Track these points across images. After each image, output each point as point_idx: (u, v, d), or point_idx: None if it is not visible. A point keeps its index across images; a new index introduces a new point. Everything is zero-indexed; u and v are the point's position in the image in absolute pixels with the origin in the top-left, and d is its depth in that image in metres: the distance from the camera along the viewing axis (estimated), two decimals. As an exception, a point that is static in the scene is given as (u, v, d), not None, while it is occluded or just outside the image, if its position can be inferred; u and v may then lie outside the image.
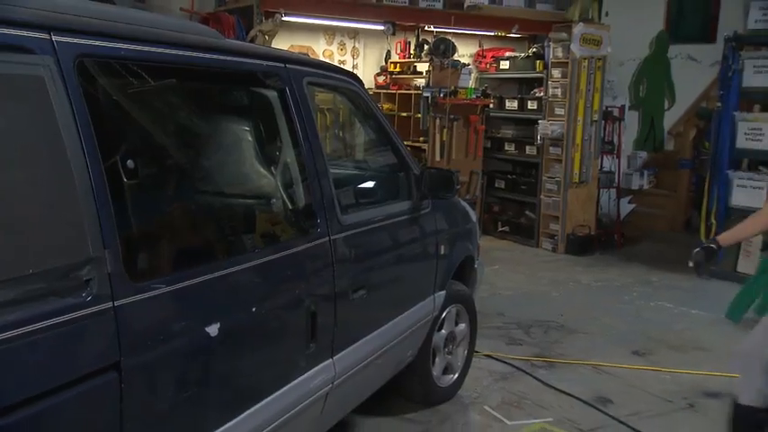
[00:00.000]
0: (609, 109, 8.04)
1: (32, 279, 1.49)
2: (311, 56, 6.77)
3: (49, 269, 1.53)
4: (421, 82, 7.63)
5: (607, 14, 8.19)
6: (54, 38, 1.63)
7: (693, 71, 8.47)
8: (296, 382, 2.37)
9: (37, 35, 1.59)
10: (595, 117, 7.65)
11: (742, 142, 6.22)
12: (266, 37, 6.13)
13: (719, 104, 6.45)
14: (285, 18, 6.39)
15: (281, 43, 6.72)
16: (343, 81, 3.11)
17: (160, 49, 1.94)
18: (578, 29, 7.35)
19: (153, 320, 1.79)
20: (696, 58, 8.55)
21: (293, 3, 6.58)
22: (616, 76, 8.54)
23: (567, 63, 7.43)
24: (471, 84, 7.87)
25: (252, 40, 5.97)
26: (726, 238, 3.12)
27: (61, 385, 1.54)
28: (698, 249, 3.01)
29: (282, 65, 2.51)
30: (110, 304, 1.64)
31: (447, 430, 3.54)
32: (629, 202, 8.53)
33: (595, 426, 3.60)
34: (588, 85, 7.51)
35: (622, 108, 8.30)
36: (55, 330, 1.52)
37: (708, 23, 8.54)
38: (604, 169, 8.03)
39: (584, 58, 7.43)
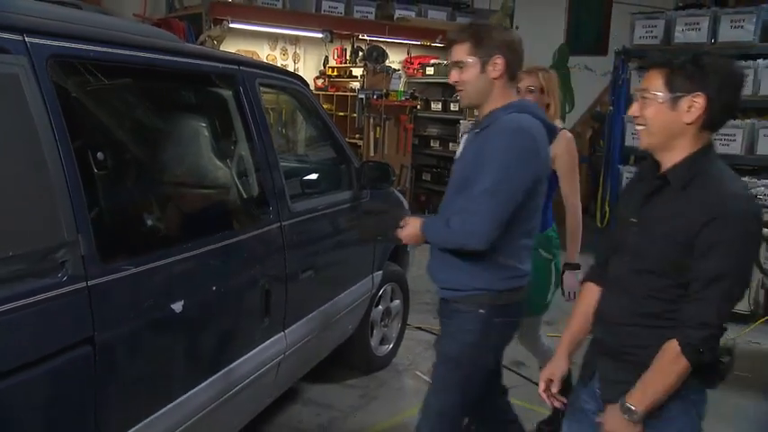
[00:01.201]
0: (520, 110, 8.25)
1: (12, 261, 1.45)
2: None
3: (27, 252, 1.50)
4: (356, 85, 7.64)
5: (517, 28, 8.41)
6: (27, 39, 1.59)
7: (589, 79, 8.76)
8: (252, 352, 2.38)
9: (11, 36, 1.55)
10: (508, 118, 7.86)
11: (630, 141, 6.49)
12: (215, 42, 6.01)
13: (611, 108, 6.71)
14: (232, 25, 6.27)
15: (229, 47, 6.58)
16: (291, 82, 3.11)
17: (126, 51, 1.90)
18: (493, 40, 7.52)
19: (123, 298, 1.76)
20: (591, 68, 8.85)
21: (239, 11, 6.47)
22: (525, 82, 8.77)
23: (484, 70, 7.58)
24: (401, 87, 7.92)
25: (201, 45, 5.83)
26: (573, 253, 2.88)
27: (41, 358, 1.51)
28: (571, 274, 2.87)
29: (236, 67, 2.49)
30: (83, 284, 1.61)
31: (383, 394, 3.60)
32: (537, 193, 8.81)
33: (511, 385, 3.66)
34: (502, 90, 7.69)
35: (532, 110, 8.54)
36: (34, 308, 1.49)
37: (600, 38, 8.86)
38: (516, 164, 8.24)
39: (499, 66, 7.61)
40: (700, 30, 5.55)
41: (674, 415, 1.62)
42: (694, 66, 1.53)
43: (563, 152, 2.73)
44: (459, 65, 2.02)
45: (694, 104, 1.53)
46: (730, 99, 1.55)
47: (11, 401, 1.46)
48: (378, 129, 7.36)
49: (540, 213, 2.14)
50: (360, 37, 7.79)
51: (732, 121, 5.07)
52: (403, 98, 7.65)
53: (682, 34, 5.65)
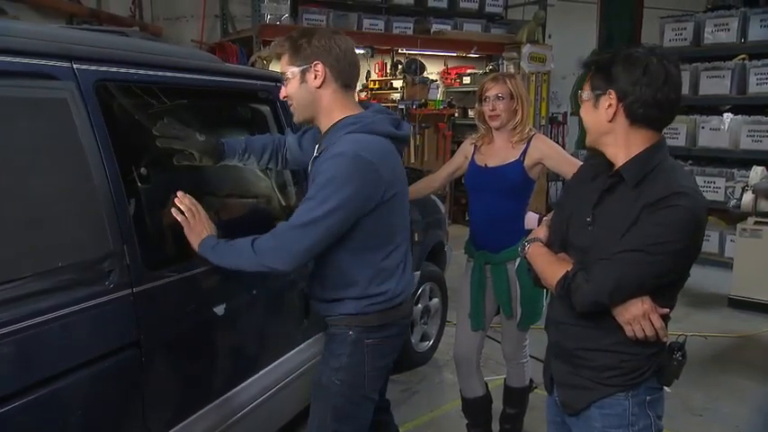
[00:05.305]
0: (554, 115, 8.07)
1: (63, 271, 1.46)
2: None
3: (76, 262, 1.51)
4: (397, 96, 7.60)
5: (550, 36, 8.20)
6: (75, 66, 1.60)
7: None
8: (294, 351, 2.36)
9: (59, 64, 1.56)
10: (543, 122, 7.68)
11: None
12: (264, 62, 6.06)
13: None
14: (280, 45, 6.32)
15: (278, 67, 6.64)
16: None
17: (167, 73, 1.91)
18: (526, 49, 7.36)
19: (167, 303, 1.76)
20: (624, 71, 8.57)
21: (286, 32, 6.51)
22: (559, 87, 8.55)
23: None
24: (439, 96, 7.84)
25: (252, 65, 5.90)
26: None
27: (91, 359, 1.52)
28: None
29: (273, 83, 2.48)
30: (129, 291, 1.62)
31: (424, 388, 3.54)
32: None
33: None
34: (536, 96, 7.53)
35: (565, 114, 8.34)
36: (83, 314, 1.50)
37: (631, 44, 8.58)
38: (552, 165, 8.05)
39: (532, 73, 7.45)
40: (729, 30, 5.28)
41: (634, 420, 1.52)
42: (610, 64, 1.45)
43: (548, 152, 2.54)
44: (284, 78, 1.76)
45: (610, 102, 1.44)
46: (649, 94, 1.40)
47: (67, 400, 1.48)
48: (417, 136, 7.29)
49: (406, 228, 1.86)
50: (399, 51, 7.76)
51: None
52: (441, 107, 7.56)
53: (711, 35, 5.40)
